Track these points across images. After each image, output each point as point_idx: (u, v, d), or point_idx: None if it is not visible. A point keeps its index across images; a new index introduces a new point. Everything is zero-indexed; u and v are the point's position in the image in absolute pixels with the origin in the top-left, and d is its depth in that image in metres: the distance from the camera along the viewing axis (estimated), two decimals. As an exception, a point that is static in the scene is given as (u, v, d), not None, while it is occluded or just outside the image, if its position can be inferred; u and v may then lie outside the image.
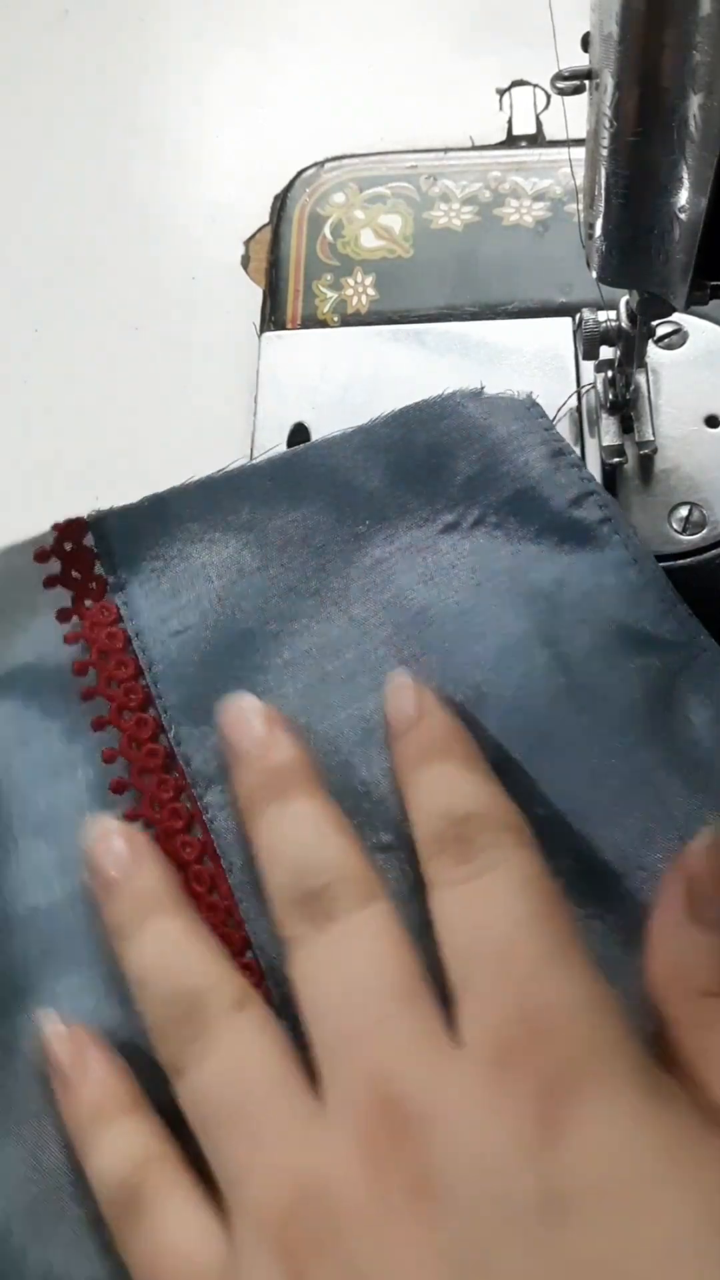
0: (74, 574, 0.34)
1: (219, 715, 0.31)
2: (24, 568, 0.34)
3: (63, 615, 0.34)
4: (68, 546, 0.34)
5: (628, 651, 0.31)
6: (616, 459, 0.38)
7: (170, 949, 0.28)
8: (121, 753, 0.32)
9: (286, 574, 0.34)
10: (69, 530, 0.35)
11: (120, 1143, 0.27)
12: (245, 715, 0.31)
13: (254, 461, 0.36)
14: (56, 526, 0.35)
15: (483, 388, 0.35)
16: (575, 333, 0.41)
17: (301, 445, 0.36)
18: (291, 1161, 0.24)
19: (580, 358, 0.40)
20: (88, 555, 0.34)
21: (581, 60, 0.27)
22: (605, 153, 0.26)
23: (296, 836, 0.28)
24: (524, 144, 0.48)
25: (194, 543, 0.34)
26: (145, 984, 0.28)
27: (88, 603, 0.34)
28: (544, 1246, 0.21)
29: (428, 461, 0.35)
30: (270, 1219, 0.23)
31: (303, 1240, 0.22)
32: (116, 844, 0.29)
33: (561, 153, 0.47)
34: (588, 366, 0.40)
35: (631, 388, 0.38)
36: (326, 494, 0.35)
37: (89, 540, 0.34)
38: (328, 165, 0.47)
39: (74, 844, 0.30)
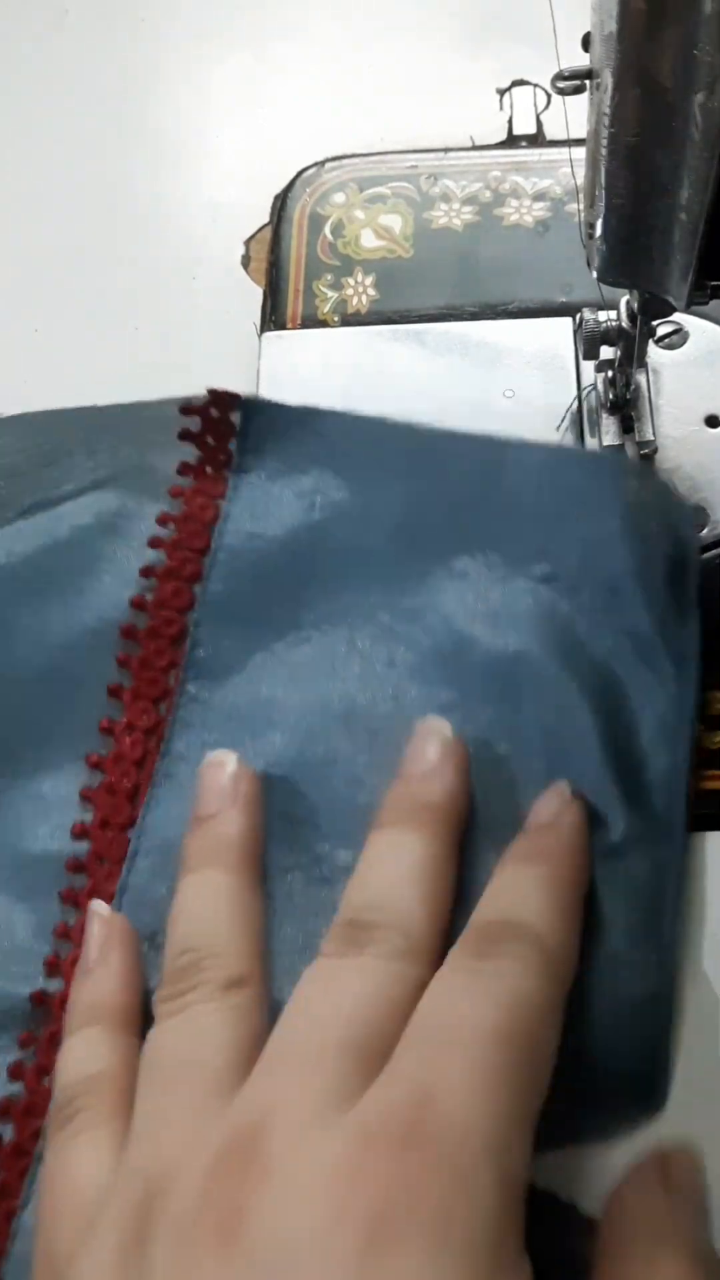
0: (208, 439, 0.36)
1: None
2: (168, 414, 0.37)
3: (183, 469, 0.36)
4: (214, 412, 0.36)
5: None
6: (617, 459, 0.38)
7: (208, 902, 0.29)
8: (149, 607, 0.35)
9: (370, 547, 0.35)
10: (220, 399, 0.36)
11: (88, 1049, 0.28)
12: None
13: (406, 422, 0.36)
14: (211, 391, 0.36)
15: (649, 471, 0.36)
16: (575, 333, 0.41)
17: (456, 432, 0.36)
18: (169, 1150, 0.24)
19: (580, 358, 0.40)
20: (228, 428, 0.36)
21: (582, 60, 0.27)
22: (605, 153, 0.26)
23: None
24: (524, 144, 0.48)
25: (317, 467, 0.36)
26: (174, 921, 0.29)
27: (207, 468, 0.36)
28: None
29: (560, 511, 0.34)
30: (128, 1196, 0.23)
31: (136, 1228, 0.22)
32: (222, 779, 0.31)
33: (562, 153, 0.47)
34: (588, 366, 0.40)
35: (632, 388, 0.38)
36: (448, 491, 0.35)
37: (235, 416, 0.36)
38: (328, 165, 0.47)
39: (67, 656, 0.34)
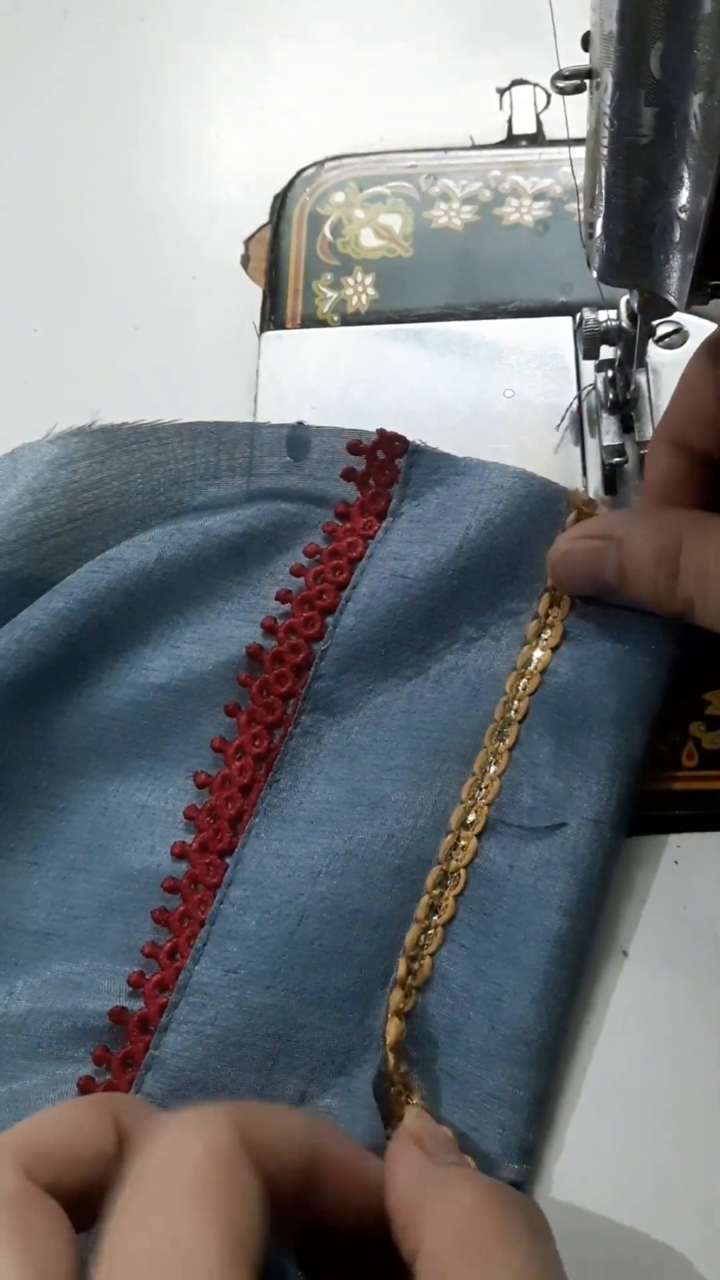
0: (371, 481, 0.37)
1: None
2: (335, 451, 0.38)
3: (341, 511, 0.37)
4: (380, 455, 0.37)
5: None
6: (617, 459, 0.38)
7: None
8: (279, 632, 0.35)
9: (489, 589, 0.36)
10: (389, 442, 0.37)
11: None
12: None
13: (525, 472, 0.37)
14: (380, 432, 0.37)
15: None
16: (575, 332, 0.41)
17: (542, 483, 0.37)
18: None
19: (580, 357, 0.40)
20: (392, 472, 0.37)
21: (582, 60, 0.27)
22: (605, 152, 0.26)
23: None
24: (524, 143, 0.48)
25: (467, 517, 0.36)
26: None
27: (364, 509, 0.37)
28: None
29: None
30: None
31: None
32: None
33: (562, 152, 0.47)
34: (588, 366, 0.40)
35: (632, 387, 0.38)
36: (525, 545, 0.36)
37: (401, 462, 0.37)
38: (328, 165, 0.47)
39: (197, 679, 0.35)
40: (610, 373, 0.38)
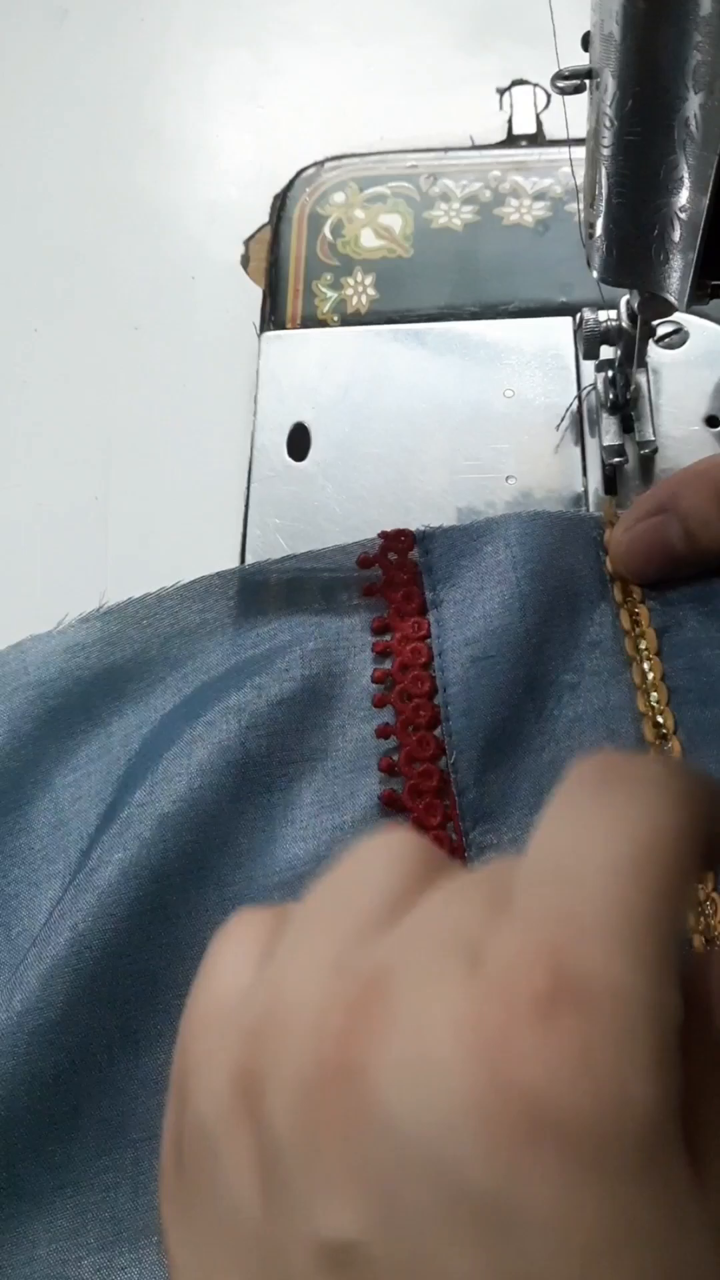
0: (394, 586, 0.35)
1: None
2: (346, 571, 0.35)
3: (378, 626, 0.35)
4: (392, 557, 0.36)
5: None
6: (617, 458, 0.38)
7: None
8: (400, 767, 0.33)
9: (566, 632, 0.35)
10: (395, 541, 0.36)
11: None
12: None
13: (566, 512, 0.37)
14: (383, 535, 0.36)
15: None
16: (576, 332, 0.41)
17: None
18: (299, 974, 0.21)
19: (581, 357, 0.40)
20: (411, 569, 0.35)
21: (581, 60, 0.27)
22: (605, 152, 0.26)
23: None
24: (524, 143, 0.48)
25: (513, 573, 0.35)
26: None
27: (404, 619, 0.35)
28: (471, 1245, 0.18)
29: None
30: (247, 1025, 0.22)
31: (249, 1064, 0.20)
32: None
33: (562, 152, 0.47)
34: (588, 366, 0.40)
35: (632, 387, 0.38)
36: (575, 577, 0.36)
37: (414, 554, 0.36)
38: (328, 165, 0.47)
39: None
40: (610, 373, 0.38)
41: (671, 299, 0.29)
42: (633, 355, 0.36)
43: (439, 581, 0.35)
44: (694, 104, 0.24)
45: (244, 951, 0.24)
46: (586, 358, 0.37)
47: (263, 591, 0.36)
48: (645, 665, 0.34)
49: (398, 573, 0.35)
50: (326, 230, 0.46)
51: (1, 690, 0.35)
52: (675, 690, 0.33)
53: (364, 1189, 0.19)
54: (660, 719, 0.33)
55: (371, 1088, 0.19)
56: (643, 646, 0.34)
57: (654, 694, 0.33)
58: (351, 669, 0.35)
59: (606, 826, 0.21)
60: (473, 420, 0.41)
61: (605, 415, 0.38)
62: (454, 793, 0.32)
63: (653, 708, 0.33)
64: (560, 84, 0.28)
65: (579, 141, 0.29)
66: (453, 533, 0.36)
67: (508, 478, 0.39)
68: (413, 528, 0.36)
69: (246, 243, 0.47)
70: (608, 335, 0.36)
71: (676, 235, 0.27)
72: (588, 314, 0.36)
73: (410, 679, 0.34)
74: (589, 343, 0.36)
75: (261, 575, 0.36)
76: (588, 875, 0.20)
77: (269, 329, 0.44)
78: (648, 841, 0.20)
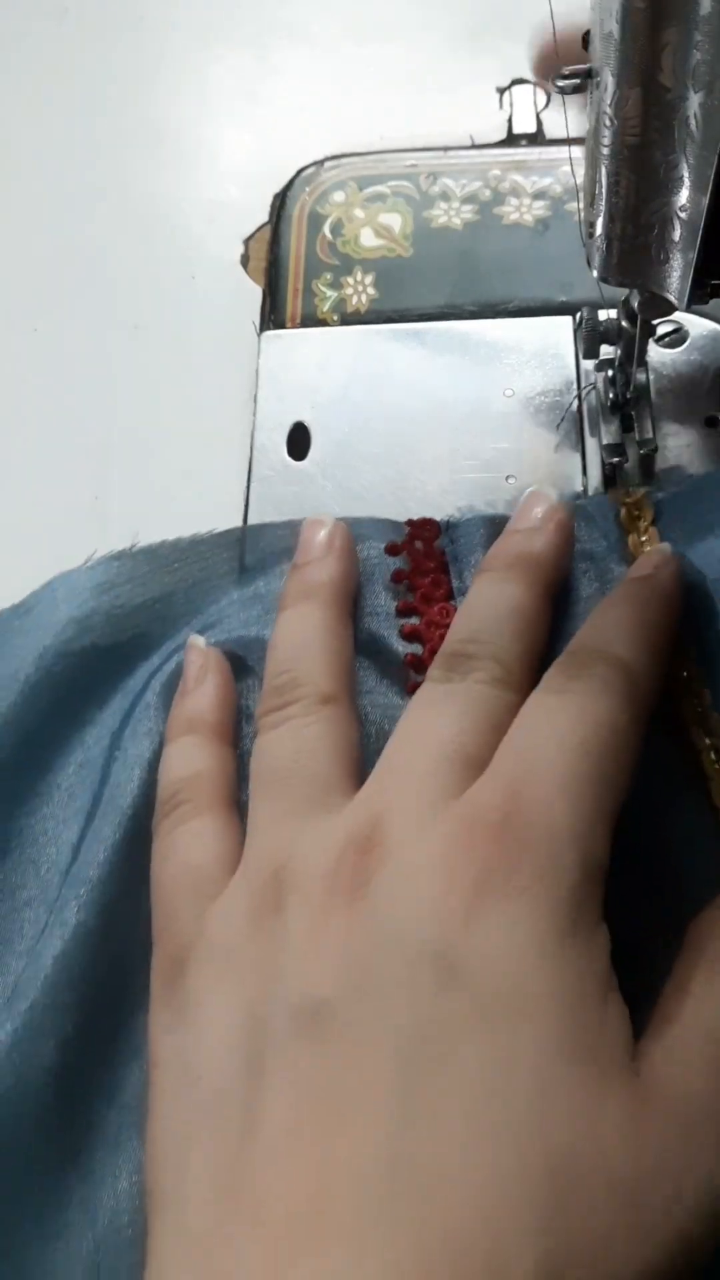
0: (421, 573, 0.36)
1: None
2: (374, 557, 0.36)
3: (404, 610, 0.35)
4: (418, 545, 0.36)
5: None
6: (617, 458, 0.38)
7: (302, 631, 0.32)
8: None
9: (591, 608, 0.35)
10: (421, 530, 0.37)
11: (189, 754, 0.31)
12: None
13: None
14: (409, 523, 0.37)
15: None
16: (575, 331, 0.41)
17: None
18: (292, 841, 0.27)
19: (580, 356, 0.40)
20: (439, 557, 0.36)
21: (581, 60, 0.27)
22: (605, 151, 0.26)
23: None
24: (524, 142, 0.48)
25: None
26: (272, 648, 0.33)
27: (430, 604, 0.35)
28: (420, 992, 0.23)
29: None
30: (256, 875, 0.27)
31: (267, 896, 0.26)
32: (321, 534, 0.35)
33: (562, 151, 0.47)
34: (588, 365, 0.40)
35: (632, 387, 0.38)
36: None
37: (441, 542, 0.36)
38: (327, 164, 0.47)
39: None
40: (610, 372, 0.38)
41: (671, 298, 0.29)
42: (633, 354, 0.36)
43: (465, 569, 0.36)
44: (694, 104, 0.24)
45: (201, 836, 0.30)
46: (586, 357, 0.38)
47: (292, 536, 0.37)
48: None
49: (424, 560, 0.36)
50: (326, 229, 0.46)
51: (36, 628, 0.36)
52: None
53: (344, 960, 0.24)
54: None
55: (369, 893, 0.25)
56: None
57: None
58: (379, 652, 0.35)
59: (567, 710, 0.27)
60: (472, 419, 0.41)
61: (605, 414, 0.38)
62: None
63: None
64: (560, 84, 0.28)
65: (579, 141, 0.29)
66: (474, 525, 0.36)
67: (508, 477, 0.39)
68: (438, 518, 0.37)
69: (246, 242, 0.47)
70: (608, 334, 0.36)
71: (676, 235, 0.27)
72: (587, 313, 0.36)
73: None
74: (589, 341, 0.36)
75: (294, 529, 0.37)
76: (548, 745, 0.26)
77: (269, 328, 0.44)
78: (595, 725, 0.26)
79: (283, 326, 0.44)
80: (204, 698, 0.32)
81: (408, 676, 0.34)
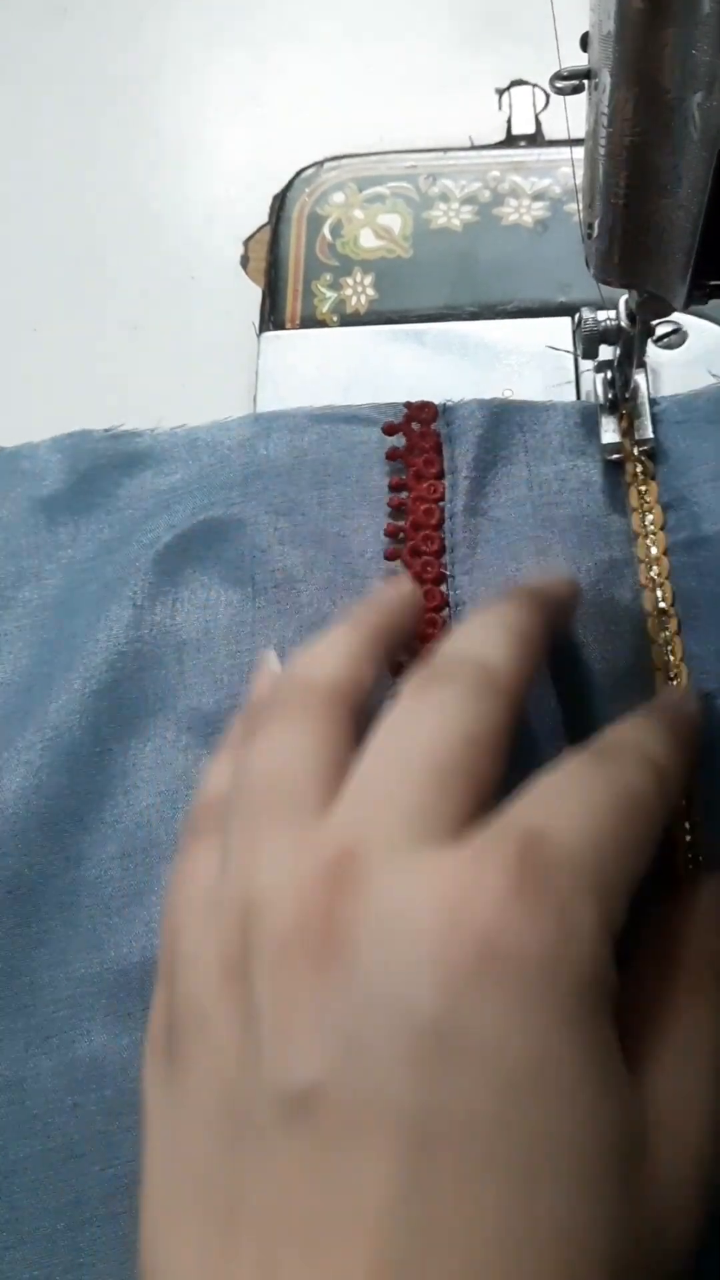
0: (415, 452, 0.38)
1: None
2: (372, 436, 0.39)
3: (395, 485, 0.38)
4: (415, 426, 0.39)
5: None
6: (615, 457, 0.38)
7: (327, 650, 0.29)
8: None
9: (583, 509, 0.37)
10: (419, 411, 0.39)
11: (215, 776, 0.29)
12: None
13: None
14: (408, 405, 0.39)
15: None
16: (574, 332, 0.41)
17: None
18: (264, 869, 0.24)
19: (579, 357, 0.40)
20: (434, 438, 0.38)
21: (581, 60, 0.27)
22: (604, 152, 0.26)
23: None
24: (523, 144, 0.48)
25: (524, 453, 0.38)
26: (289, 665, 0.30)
27: (421, 481, 0.38)
28: (421, 1074, 0.20)
29: None
30: (228, 914, 0.24)
31: (236, 944, 0.23)
32: (388, 592, 0.33)
33: (561, 152, 0.47)
34: (586, 365, 0.40)
35: (630, 387, 0.38)
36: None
37: (437, 425, 0.39)
38: (327, 165, 0.47)
39: None
40: (609, 373, 0.38)
41: (671, 299, 0.29)
42: (631, 355, 0.36)
43: (458, 451, 0.38)
44: (693, 103, 0.24)
45: (210, 845, 0.26)
46: (585, 357, 0.37)
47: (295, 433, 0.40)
48: (649, 540, 0.36)
49: (420, 440, 0.38)
50: (326, 230, 0.46)
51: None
52: (676, 564, 0.35)
53: (329, 1033, 0.21)
54: (660, 592, 0.35)
55: (348, 944, 0.21)
56: (649, 521, 0.36)
57: (655, 568, 0.35)
58: (365, 525, 0.38)
59: (599, 776, 0.24)
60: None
61: (604, 415, 0.38)
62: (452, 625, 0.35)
63: (653, 579, 0.35)
64: (559, 84, 0.28)
65: (578, 142, 0.29)
66: (472, 406, 0.39)
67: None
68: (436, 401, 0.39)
69: (246, 243, 0.47)
70: (606, 334, 0.36)
71: (675, 235, 0.27)
72: (586, 313, 0.36)
73: (421, 537, 0.37)
74: (588, 342, 0.36)
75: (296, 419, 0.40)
76: (579, 795, 0.24)
77: (268, 329, 0.44)
78: (629, 795, 0.24)
79: (282, 327, 0.44)
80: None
81: (385, 544, 0.37)
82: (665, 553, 0.36)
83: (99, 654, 0.35)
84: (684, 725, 0.29)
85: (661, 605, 0.35)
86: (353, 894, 0.22)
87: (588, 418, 0.39)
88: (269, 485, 0.38)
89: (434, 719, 0.25)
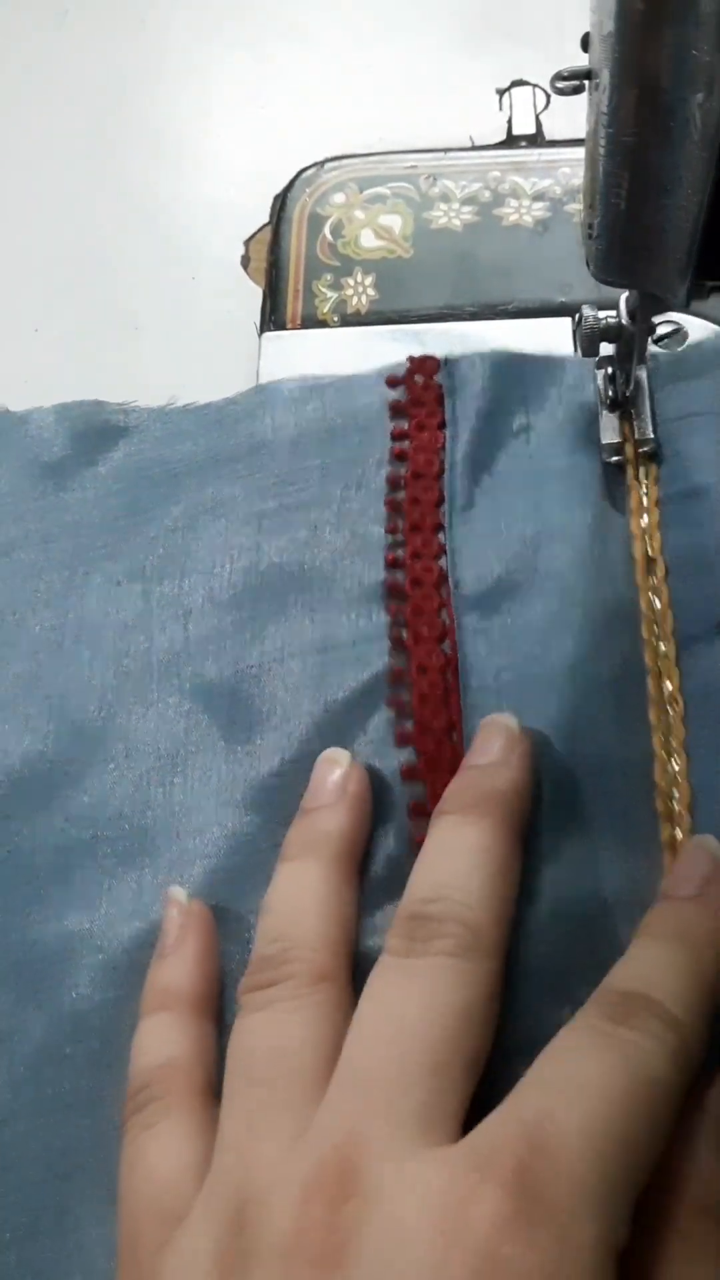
0: (417, 404, 0.39)
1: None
2: (375, 388, 0.40)
3: (398, 434, 0.39)
4: (418, 379, 0.39)
5: None
6: (616, 457, 0.38)
7: (301, 892, 0.29)
8: (404, 560, 0.36)
9: (576, 460, 0.38)
10: (422, 365, 0.40)
11: (164, 1034, 0.28)
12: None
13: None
14: (410, 359, 0.40)
15: None
16: (575, 330, 0.41)
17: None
18: (259, 1163, 0.24)
19: (580, 355, 0.40)
20: (436, 390, 0.39)
21: (581, 60, 0.27)
22: (604, 153, 0.26)
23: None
24: (524, 144, 0.48)
25: (524, 405, 0.39)
26: (266, 906, 0.29)
27: (422, 431, 0.38)
28: None
29: None
30: (221, 1207, 0.23)
31: (233, 1244, 0.23)
32: (335, 776, 0.31)
33: (561, 153, 0.47)
34: (587, 363, 0.40)
35: (631, 385, 0.38)
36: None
37: (440, 377, 0.39)
38: (328, 165, 0.47)
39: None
40: (610, 370, 0.38)
41: (670, 299, 0.29)
42: (632, 353, 0.36)
43: (459, 403, 0.39)
44: (693, 104, 0.24)
45: (171, 1140, 0.26)
46: (585, 355, 0.37)
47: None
48: (642, 490, 0.36)
49: (423, 392, 0.39)
50: (326, 231, 0.46)
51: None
52: (666, 517, 0.36)
53: None
54: (650, 540, 0.35)
55: (349, 1256, 0.21)
56: (644, 472, 0.37)
57: (646, 517, 0.36)
58: (369, 472, 0.38)
59: (610, 1059, 0.23)
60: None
61: (604, 413, 0.38)
62: (449, 584, 0.36)
63: (642, 528, 0.36)
64: (560, 84, 0.28)
65: (579, 142, 0.29)
66: (474, 358, 0.39)
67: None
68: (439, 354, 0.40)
69: (247, 243, 0.47)
70: (607, 332, 0.36)
71: (675, 235, 0.27)
72: (587, 311, 0.36)
73: (420, 486, 0.37)
74: (588, 339, 0.36)
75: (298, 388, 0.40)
76: (584, 1094, 0.22)
77: (269, 329, 0.44)
78: (642, 1082, 0.23)
79: (283, 328, 0.44)
80: (181, 965, 0.29)
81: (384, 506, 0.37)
82: (657, 504, 0.36)
83: (107, 623, 0.36)
84: (710, 956, 0.26)
85: (650, 555, 0.35)
86: (353, 1204, 0.22)
87: (586, 375, 0.39)
88: (276, 454, 0.39)
89: (424, 997, 0.25)
